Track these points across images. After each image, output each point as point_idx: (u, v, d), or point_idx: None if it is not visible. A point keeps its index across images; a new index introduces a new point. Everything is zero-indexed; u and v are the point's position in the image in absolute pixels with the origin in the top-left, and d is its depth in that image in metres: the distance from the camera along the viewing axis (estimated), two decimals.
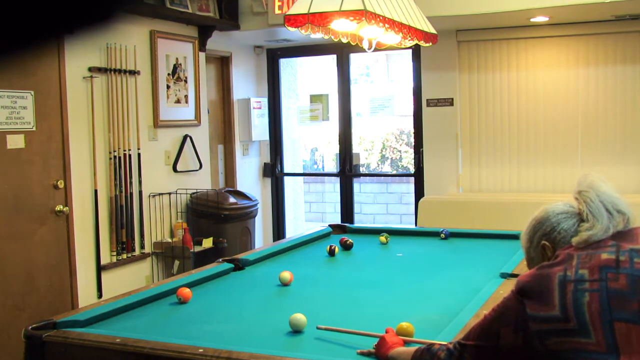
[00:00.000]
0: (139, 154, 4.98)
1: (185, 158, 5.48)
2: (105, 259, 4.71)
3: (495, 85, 5.96)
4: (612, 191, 1.72)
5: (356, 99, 7.55)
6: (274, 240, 6.74)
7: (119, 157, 4.78)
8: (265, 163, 6.92)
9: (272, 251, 3.56)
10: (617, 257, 1.58)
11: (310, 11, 2.99)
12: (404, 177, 9.43)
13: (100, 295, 4.63)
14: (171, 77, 5.29)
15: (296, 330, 2.24)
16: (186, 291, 2.70)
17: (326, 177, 9.79)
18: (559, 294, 1.56)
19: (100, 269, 4.66)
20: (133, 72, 4.90)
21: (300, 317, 2.25)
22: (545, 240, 1.74)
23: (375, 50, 3.61)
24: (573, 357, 1.52)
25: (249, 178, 6.72)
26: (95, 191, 4.63)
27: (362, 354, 2.00)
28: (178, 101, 5.38)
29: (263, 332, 2.28)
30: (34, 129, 4.19)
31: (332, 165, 10.28)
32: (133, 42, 4.90)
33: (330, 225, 4.26)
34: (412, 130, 6.48)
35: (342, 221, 6.18)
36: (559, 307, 1.54)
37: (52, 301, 4.29)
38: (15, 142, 4.08)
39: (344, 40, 3.46)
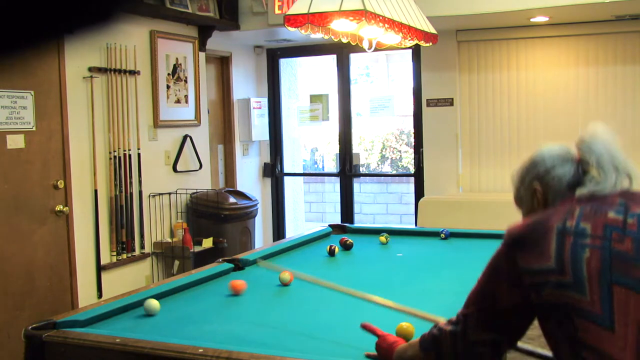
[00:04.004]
0: (139, 154, 4.98)
1: (185, 158, 5.48)
2: (105, 259, 4.71)
3: (495, 85, 5.96)
4: (619, 148, 1.62)
5: (356, 99, 7.55)
6: (274, 240, 6.74)
7: (119, 157, 4.78)
8: (265, 163, 6.92)
9: (272, 251, 3.56)
10: (625, 218, 1.48)
11: (310, 11, 2.99)
12: (404, 177, 9.44)
13: (100, 295, 4.63)
14: (171, 77, 5.29)
15: (150, 314, 2.44)
16: (238, 283, 2.73)
17: (326, 177, 9.79)
18: (556, 245, 1.47)
19: (100, 269, 4.66)
20: (133, 72, 4.90)
21: (153, 302, 2.47)
22: (537, 183, 1.65)
23: (375, 50, 3.61)
24: (567, 312, 1.45)
25: (249, 178, 6.72)
26: (95, 191, 4.63)
27: (370, 356, 1.94)
28: (178, 101, 5.38)
29: (263, 332, 2.28)
30: (34, 129, 4.19)
31: (332, 165, 10.28)
32: (133, 42, 4.90)
33: (330, 225, 4.25)
34: (412, 130, 6.48)
35: (342, 221, 6.18)
36: (555, 258, 1.46)
37: (52, 301, 4.29)
38: (15, 142, 4.08)
39: (344, 40, 3.47)
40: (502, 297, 1.54)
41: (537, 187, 1.64)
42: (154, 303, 2.49)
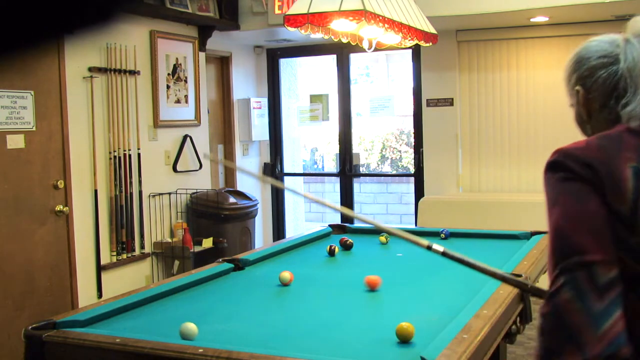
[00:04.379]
0: (139, 154, 4.98)
1: (185, 158, 5.48)
2: (105, 259, 4.71)
3: (495, 85, 5.96)
4: None
5: (356, 99, 7.56)
6: (274, 240, 6.74)
7: (119, 157, 4.78)
8: (265, 163, 6.92)
9: (272, 251, 3.56)
10: None
11: (310, 11, 2.99)
12: (404, 177, 9.44)
13: (100, 295, 4.63)
14: (171, 77, 5.29)
15: (186, 338, 2.15)
16: (372, 278, 2.74)
17: (326, 177, 9.79)
18: (634, 188, 1.11)
19: (100, 269, 4.66)
20: (133, 72, 4.90)
21: (191, 326, 2.18)
22: (579, 86, 1.37)
23: (375, 50, 3.62)
24: (633, 283, 1.11)
25: (249, 178, 6.72)
26: (95, 191, 4.63)
27: None
28: (178, 101, 5.38)
29: (263, 332, 2.28)
30: (34, 129, 4.19)
31: (332, 165, 10.28)
32: (133, 42, 4.90)
33: (330, 225, 4.26)
34: (412, 130, 6.48)
35: (342, 221, 6.17)
36: (631, 205, 1.11)
37: (52, 301, 4.29)
38: (15, 142, 4.08)
39: (344, 40, 3.47)
40: (600, 210, 1.12)
41: (581, 91, 1.37)
42: (191, 327, 2.20)
